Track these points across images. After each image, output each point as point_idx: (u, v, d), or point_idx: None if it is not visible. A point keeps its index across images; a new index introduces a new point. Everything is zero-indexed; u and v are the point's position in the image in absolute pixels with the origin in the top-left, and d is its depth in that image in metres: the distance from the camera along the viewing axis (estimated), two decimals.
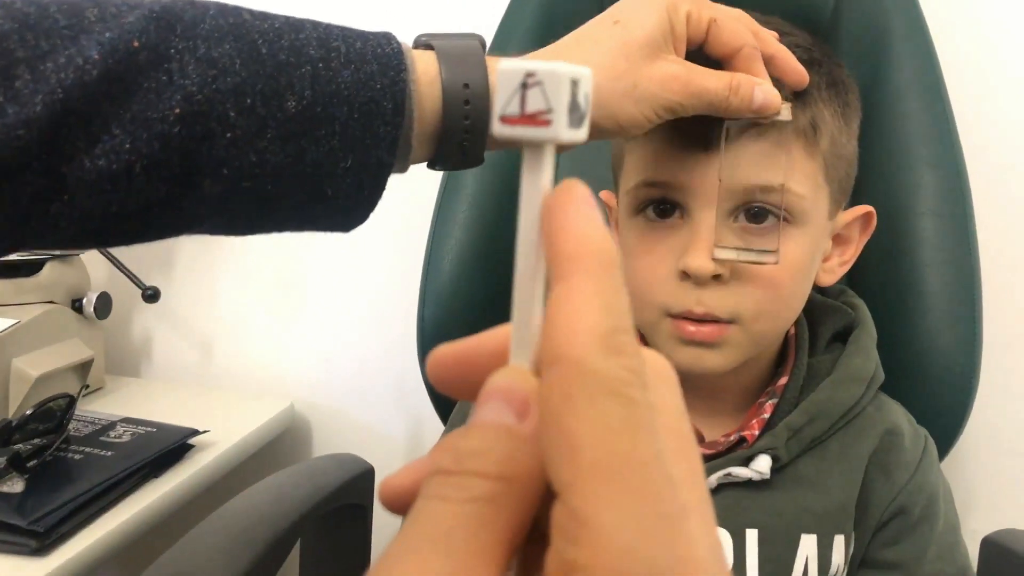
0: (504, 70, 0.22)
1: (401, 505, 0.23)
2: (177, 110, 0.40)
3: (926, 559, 0.65)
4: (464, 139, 0.48)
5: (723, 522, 0.64)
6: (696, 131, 0.58)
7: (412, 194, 1.03)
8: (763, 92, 0.55)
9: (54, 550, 0.73)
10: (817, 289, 0.73)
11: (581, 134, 0.23)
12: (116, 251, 1.07)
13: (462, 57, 0.47)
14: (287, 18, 0.45)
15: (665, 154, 0.61)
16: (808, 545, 0.64)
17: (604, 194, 0.70)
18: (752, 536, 0.64)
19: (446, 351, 0.25)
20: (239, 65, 0.42)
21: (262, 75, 0.42)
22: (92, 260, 1.10)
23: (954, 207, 0.79)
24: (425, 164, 0.50)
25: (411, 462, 0.25)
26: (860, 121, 0.68)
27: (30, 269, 1.03)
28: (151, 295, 1.06)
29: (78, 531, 0.77)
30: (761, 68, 0.56)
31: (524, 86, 0.22)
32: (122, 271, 1.06)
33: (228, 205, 0.44)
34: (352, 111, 0.44)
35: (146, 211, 0.42)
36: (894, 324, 0.77)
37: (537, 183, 0.22)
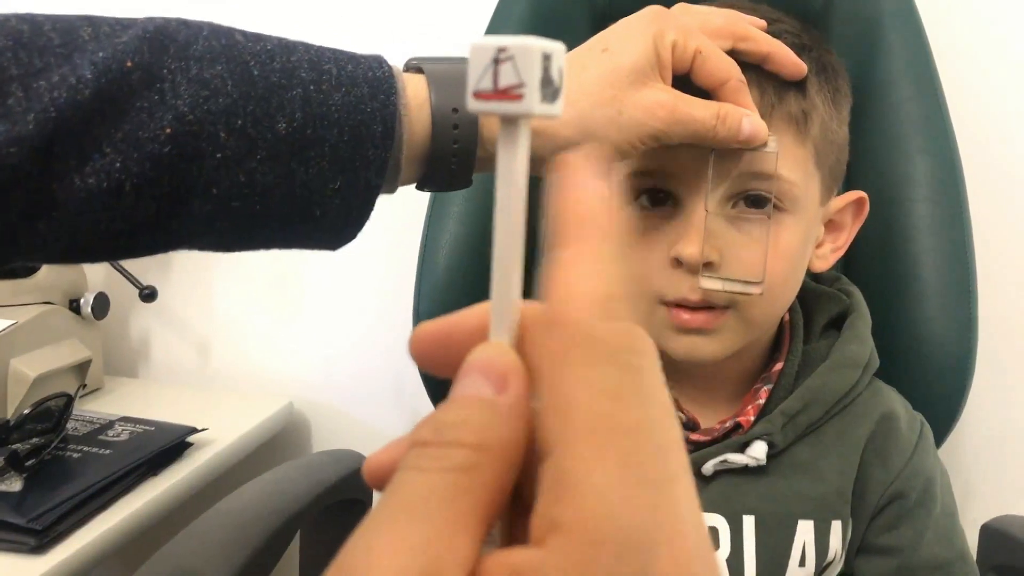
0: (476, 46, 0.22)
1: (383, 481, 0.23)
2: (168, 130, 0.41)
3: (923, 543, 0.65)
4: (453, 162, 0.48)
5: (720, 508, 0.64)
6: None
7: (406, 191, 1.03)
8: (751, 123, 0.55)
9: (52, 548, 0.73)
10: (812, 276, 0.73)
11: (555, 109, 0.23)
12: None
13: (452, 81, 0.48)
14: (280, 40, 0.46)
15: None
16: (805, 531, 0.64)
17: None
18: (749, 522, 0.64)
19: (427, 328, 0.25)
20: (231, 86, 0.42)
21: (253, 97, 0.43)
22: None
23: (948, 194, 0.79)
24: (414, 186, 0.51)
25: (394, 440, 0.25)
26: (851, 108, 0.68)
27: (27, 270, 1.03)
28: (148, 295, 1.06)
29: (76, 529, 0.77)
30: (748, 101, 0.56)
31: (496, 61, 0.22)
32: (119, 271, 1.07)
33: (216, 224, 0.44)
34: (342, 134, 0.44)
35: (134, 230, 0.43)
36: (889, 311, 0.77)
37: (513, 159, 0.23)
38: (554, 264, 0.21)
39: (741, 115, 0.54)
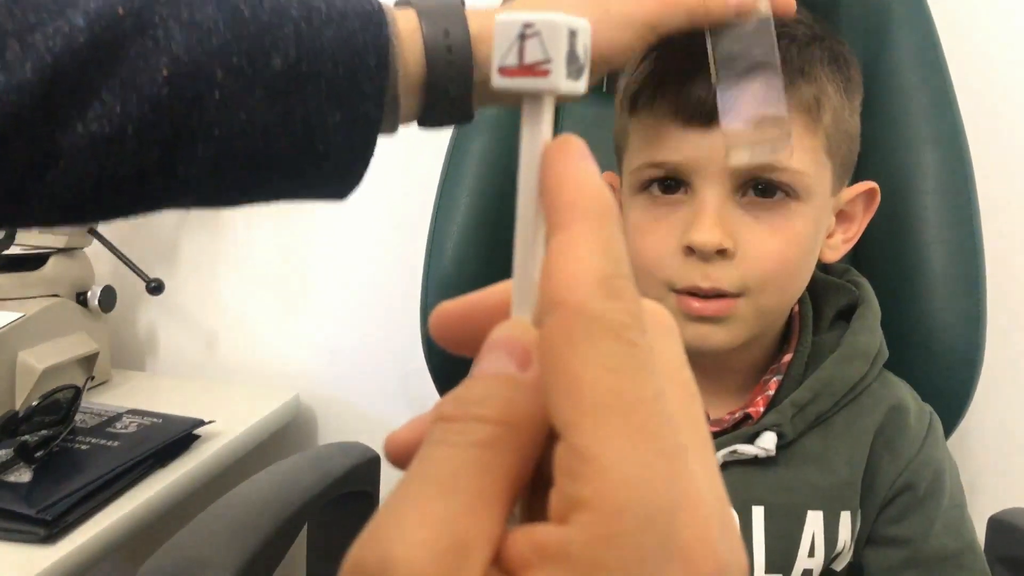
0: (502, 21, 0.22)
1: (405, 458, 0.23)
2: (165, 72, 0.41)
3: (932, 535, 0.65)
4: (450, 88, 0.49)
5: (729, 499, 0.64)
6: (697, 107, 0.59)
7: (414, 183, 1.03)
8: None
9: (62, 538, 0.74)
10: (821, 268, 0.73)
11: (580, 86, 0.22)
12: (120, 244, 1.08)
13: (441, 11, 0.48)
14: None
15: (667, 132, 0.61)
16: (814, 522, 0.64)
17: (607, 175, 0.70)
18: (758, 513, 0.64)
19: (449, 307, 0.25)
20: (223, 27, 0.43)
21: (246, 36, 0.43)
22: (96, 254, 1.10)
23: (956, 184, 0.79)
24: (416, 124, 0.51)
25: (416, 417, 0.25)
26: (862, 98, 0.68)
27: (34, 263, 1.03)
28: (155, 287, 1.06)
29: (85, 520, 0.77)
30: None
31: (522, 37, 0.22)
32: (126, 264, 1.07)
33: (222, 169, 0.45)
34: (337, 67, 0.45)
35: (140, 176, 0.43)
36: (898, 303, 0.77)
37: (537, 136, 0.22)
38: (554, 246, 0.21)
39: None
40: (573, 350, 0.20)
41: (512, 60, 0.22)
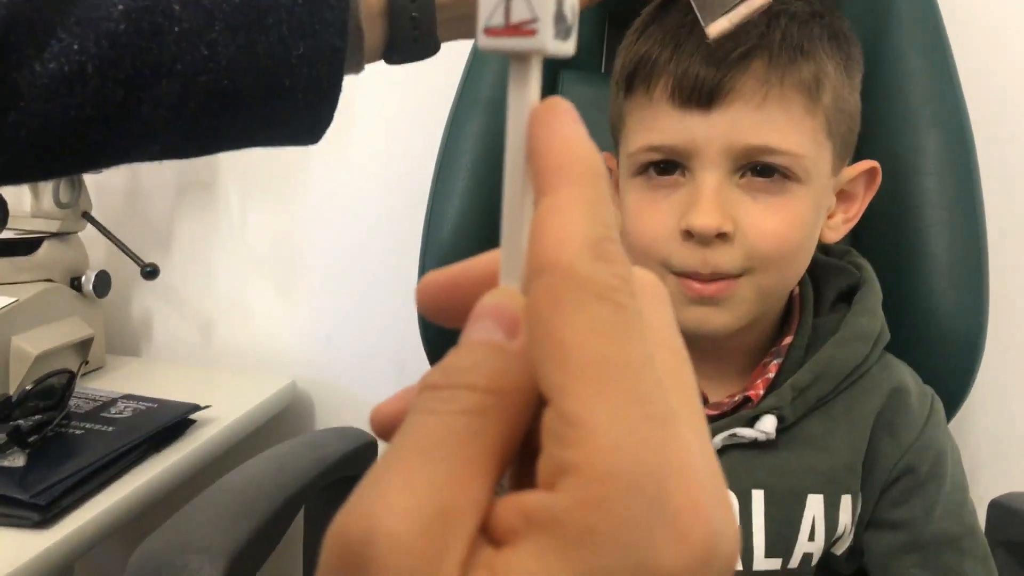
0: None
1: (391, 430, 0.22)
2: (120, 7, 0.41)
3: (933, 518, 0.65)
4: (413, 13, 0.48)
5: (729, 483, 0.62)
6: (694, 89, 0.58)
7: (410, 167, 1.03)
8: None
9: (55, 523, 0.73)
10: (822, 249, 0.72)
11: (568, 47, 0.22)
12: (114, 228, 1.07)
13: None
14: None
15: (665, 116, 0.60)
16: (815, 505, 0.64)
17: (604, 156, 0.69)
18: (758, 496, 0.63)
19: (435, 277, 0.25)
20: None
21: None
22: (91, 238, 1.09)
23: (958, 166, 0.78)
24: (384, 60, 0.50)
25: (402, 389, 0.24)
26: (863, 77, 0.67)
27: (28, 247, 1.02)
28: (150, 272, 1.05)
29: (79, 505, 0.76)
30: None
31: None
32: (120, 248, 1.06)
33: (187, 107, 0.44)
34: None
35: (105, 118, 0.43)
36: (899, 285, 0.77)
37: (524, 98, 0.22)
38: (541, 210, 0.21)
39: None
40: (561, 313, 0.19)
41: (498, 20, 0.21)
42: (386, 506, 0.18)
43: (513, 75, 0.22)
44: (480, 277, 0.24)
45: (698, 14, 0.54)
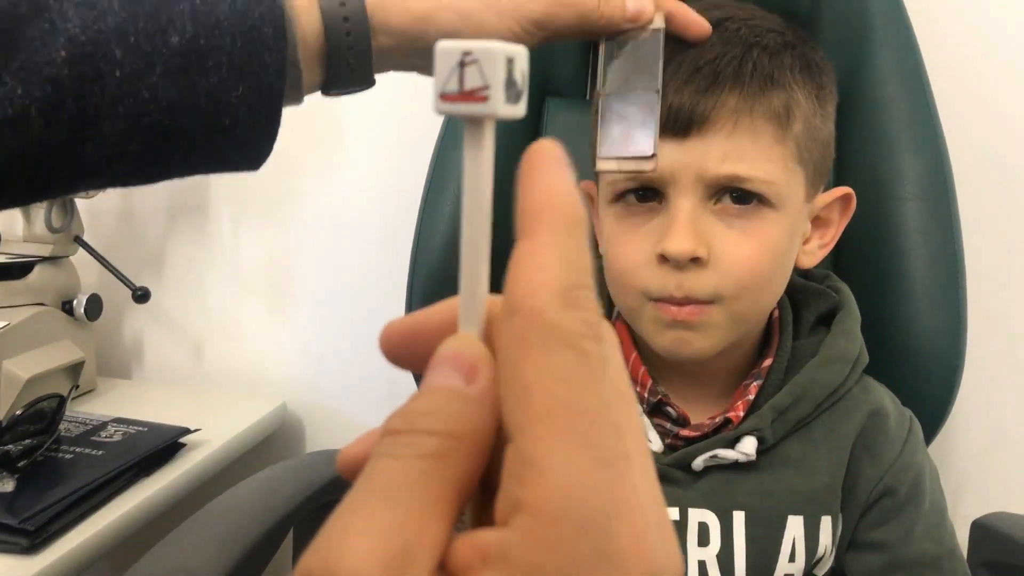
0: (442, 49, 0.23)
1: (356, 472, 0.23)
2: (63, 53, 0.42)
3: (913, 539, 0.66)
4: (350, 56, 0.50)
5: (710, 504, 0.65)
6: (670, 118, 0.59)
7: (399, 189, 1.04)
8: (635, 1, 0.54)
9: (44, 548, 0.74)
10: (801, 274, 0.74)
11: (519, 110, 0.23)
12: (106, 252, 1.08)
13: None
14: None
15: None
16: (795, 526, 0.65)
17: (584, 184, 0.70)
18: (739, 518, 0.64)
19: (397, 325, 0.26)
20: (118, 7, 0.44)
21: (142, 14, 0.44)
22: (82, 262, 1.10)
23: (936, 191, 0.79)
24: (320, 92, 0.52)
25: (367, 432, 0.25)
26: (840, 106, 0.68)
27: (19, 271, 1.03)
28: (141, 295, 1.06)
29: (69, 530, 0.77)
30: None
31: (462, 64, 0.23)
32: (112, 272, 1.07)
33: (130, 145, 0.45)
34: (235, 40, 0.46)
35: (50, 156, 0.44)
36: (878, 309, 0.78)
37: (478, 158, 0.23)
38: (518, 253, 0.21)
39: None
40: (527, 357, 0.20)
41: (453, 87, 0.23)
42: (348, 548, 0.19)
43: (468, 137, 0.23)
44: (439, 324, 0.25)
45: (596, 143, 0.57)
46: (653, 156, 0.57)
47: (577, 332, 0.20)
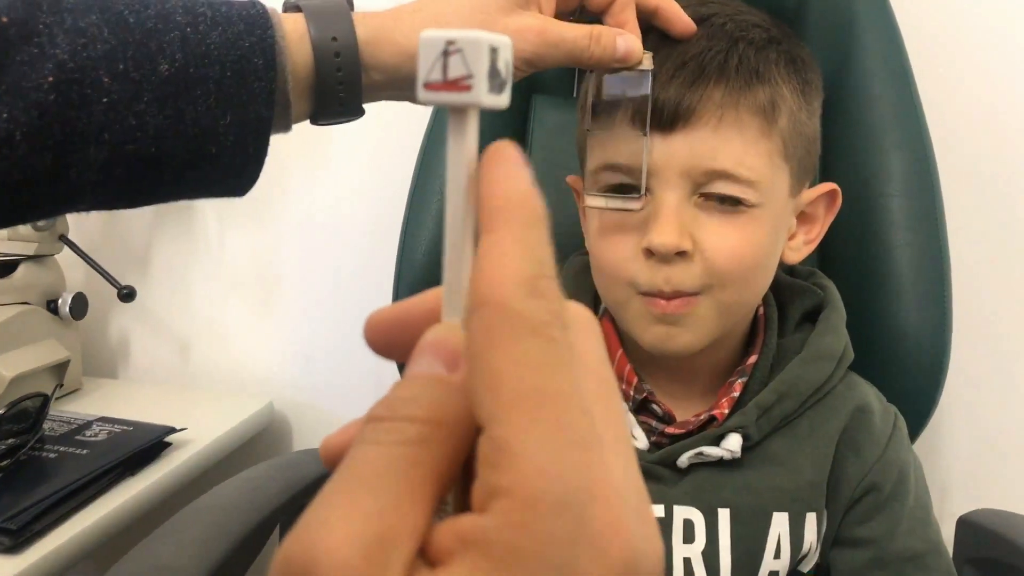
0: (426, 38, 0.23)
1: (338, 460, 0.23)
2: (51, 78, 0.42)
3: (897, 535, 0.66)
4: (340, 90, 0.50)
5: (695, 501, 0.65)
6: (655, 113, 0.59)
7: (385, 188, 1.04)
8: (625, 41, 0.55)
9: (27, 548, 0.73)
10: (787, 271, 0.74)
11: (502, 100, 0.24)
12: (91, 251, 1.07)
13: (329, 13, 0.49)
14: None
15: (625, 137, 0.61)
16: (780, 523, 0.65)
17: (571, 179, 0.70)
18: (724, 515, 0.64)
19: (381, 315, 0.26)
20: (107, 33, 0.43)
21: (132, 42, 0.44)
22: (67, 261, 1.09)
23: (922, 189, 0.80)
24: (308, 121, 0.52)
25: (350, 421, 0.25)
26: (826, 103, 0.69)
27: (4, 270, 1.02)
28: (127, 294, 1.06)
29: (52, 529, 0.76)
30: (633, 17, 0.57)
31: (446, 53, 0.23)
32: (98, 271, 1.06)
33: (115, 172, 0.45)
34: (224, 70, 0.45)
35: (33, 180, 0.44)
36: (864, 306, 0.78)
37: (462, 147, 0.23)
38: (482, 248, 0.22)
39: (615, 34, 0.55)
40: (495, 346, 0.20)
41: (436, 76, 0.23)
42: (329, 532, 0.19)
43: (452, 125, 0.23)
44: (424, 313, 0.25)
45: (583, 185, 0.58)
46: (641, 196, 0.58)
47: (543, 320, 0.21)
